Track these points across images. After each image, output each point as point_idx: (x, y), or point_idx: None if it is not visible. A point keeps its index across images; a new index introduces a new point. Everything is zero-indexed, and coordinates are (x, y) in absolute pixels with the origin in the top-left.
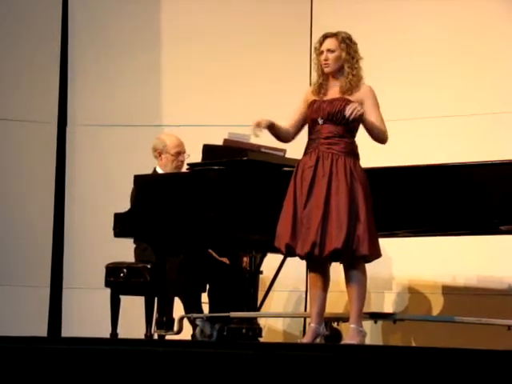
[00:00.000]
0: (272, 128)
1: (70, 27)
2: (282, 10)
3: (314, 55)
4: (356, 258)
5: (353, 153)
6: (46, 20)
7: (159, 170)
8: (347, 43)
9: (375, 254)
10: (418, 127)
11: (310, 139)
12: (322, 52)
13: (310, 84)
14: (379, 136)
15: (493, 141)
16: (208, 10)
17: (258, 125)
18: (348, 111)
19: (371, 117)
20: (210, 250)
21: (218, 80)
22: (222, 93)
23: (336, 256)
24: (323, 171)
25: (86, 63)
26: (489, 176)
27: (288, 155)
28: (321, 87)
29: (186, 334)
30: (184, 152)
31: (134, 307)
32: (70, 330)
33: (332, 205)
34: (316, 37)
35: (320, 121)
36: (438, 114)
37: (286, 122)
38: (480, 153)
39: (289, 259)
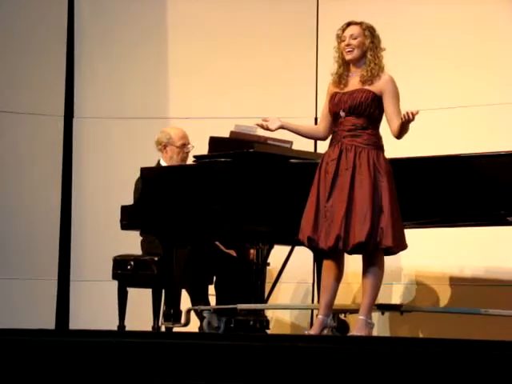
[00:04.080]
0: (288, 129)
1: (76, 20)
2: (288, 7)
3: (321, 48)
4: (380, 250)
5: (376, 145)
6: (52, 14)
7: (163, 163)
8: (371, 32)
9: (400, 245)
10: (425, 119)
11: (333, 131)
12: (344, 39)
13: (316, 79)
14: (400, 137)
15: (501, 131)
16: (214, 5)
17: (266, 121)
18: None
19: (388, 109)
20: (216, 243)
21: (224, 72)
22: (228, 85)
23: (360, 249)
24: (346, 164)
25: (92, 56)
26: (496, 167)
27: (294, 147)
28: (341, 77)
29: (194, 326)
30: (189, 143)
31: (141, 300)
32: (77, 322)
33: (356, 198)
34: (322, 31)
35: (342, 113)
36: (443, 105)
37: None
38: (488, 144)
39: (296, 251)
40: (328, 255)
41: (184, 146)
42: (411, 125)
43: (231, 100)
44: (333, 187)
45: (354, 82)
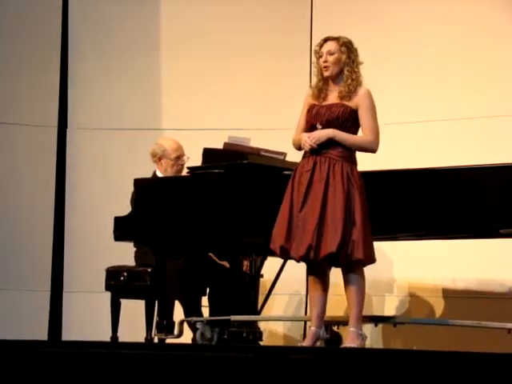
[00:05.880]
0: None
1: (70, 31)
2: (281, 13)
3: (314, 59)
4: (351, 263)
5: (350, 158)
6: (46, 24)
7: (159, 175)
8: (348, 47)
9: (370, 259)
10: (417, 131)
11: None
12: (321, 55)
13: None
14: (362, 150)
15: (493, 144)
16: (207, 13)
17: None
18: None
19: (361, 121)
20: (210, 254)
21: (217, 83)
22: (221, 96)
23: (331, 259)
24: (320, 175)
25: (86, 67)
26: (488, 179)
27: (288, 158)
28: (320, 92)
29: (187, 337)
30: (183, 155)
31: (134, 311)
32: (70, 333)
33: (328, 209)
34: (316, 40)
35: (319, 126)
36: (437, 117)
37: (296, 130)
38: (480, 156)
39: (289, 262)
40: (311, 271)
41: (179, 159)
42: (403, 136)
43: (225, 111)
44: (306, 198)
45: (333, 97)
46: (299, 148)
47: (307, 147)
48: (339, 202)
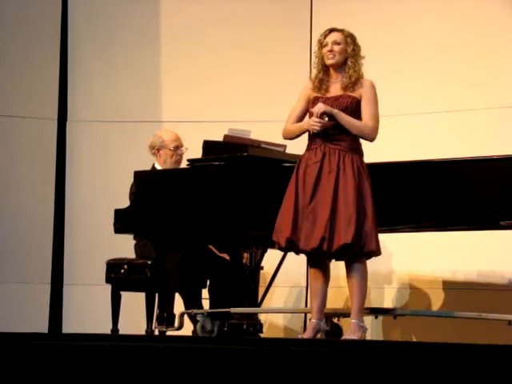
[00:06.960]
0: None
1: (69, 23)
2: (281, 7)
3: (315, 50)
4: (363, 254)
5: (359, 150)
6: (45, 16)
7: (158, 167)
8: (353, 39)
9: (379, 251)
10: (418, 122)
11: (313, 135)
12: (326, 44)
13: (310, 78)
14: (361, 135)
15: (493, 136)
16: (208, 6)
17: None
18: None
19: (363, 111)
20: (210, 246)
21: (217, 76)
22: (222, 89)
23: (344, 250)
24: (330, 167)
25: (85, 59)
26: (489, 171)
27: (288, 151)
28: (321, 83)
29: (187, 329)
30: (182, 146)
31: (134, 303)
32: (70, 326)
33: (340, 200)
34: (316, 33)
35: (326, 118)
36: (437, 109)
37: (289, 120)
38: (480, 148)
39: (289, 254)
40: (312, 262)
41: (177, 149)
42: (404, 128)
43: (225, 104)
44: (315, 190)
45: (336, 88)
46: (291, 138)
47: (316, 125)
48: (351, 193)
